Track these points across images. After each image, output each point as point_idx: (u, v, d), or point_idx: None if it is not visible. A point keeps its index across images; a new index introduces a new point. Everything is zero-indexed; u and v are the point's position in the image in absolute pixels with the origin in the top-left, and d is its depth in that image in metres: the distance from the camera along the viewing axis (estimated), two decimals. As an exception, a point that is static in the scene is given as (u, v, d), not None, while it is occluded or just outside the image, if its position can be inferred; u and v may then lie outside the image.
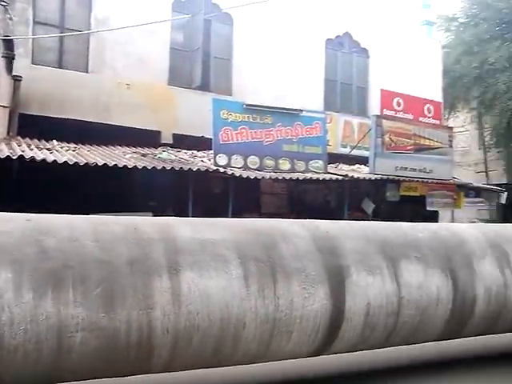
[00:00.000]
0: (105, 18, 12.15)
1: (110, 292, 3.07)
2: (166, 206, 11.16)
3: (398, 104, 15.42)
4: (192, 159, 11.98)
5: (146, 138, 12.12)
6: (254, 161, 12.07)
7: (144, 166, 10.07)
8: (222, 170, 11.33)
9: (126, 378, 3.40)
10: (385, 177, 13.29)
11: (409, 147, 14.04)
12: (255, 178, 11.54)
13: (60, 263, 3.00)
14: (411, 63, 16.03)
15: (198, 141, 12.40)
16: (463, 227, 5.34)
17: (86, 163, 9.46)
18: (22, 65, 11.12)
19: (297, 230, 4.01)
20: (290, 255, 3.74)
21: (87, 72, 12.06)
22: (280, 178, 11.96)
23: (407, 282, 4.18)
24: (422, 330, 4.45)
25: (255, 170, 11.91)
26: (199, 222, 3.87)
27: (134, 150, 11.75)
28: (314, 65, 14.49)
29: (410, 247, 4.37)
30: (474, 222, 18.22)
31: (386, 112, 14.98)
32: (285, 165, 12.45)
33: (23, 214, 3.33)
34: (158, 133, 12.37)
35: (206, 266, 3.39)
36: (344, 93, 15.37)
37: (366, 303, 3.95)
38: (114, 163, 9.80)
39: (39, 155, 9.36)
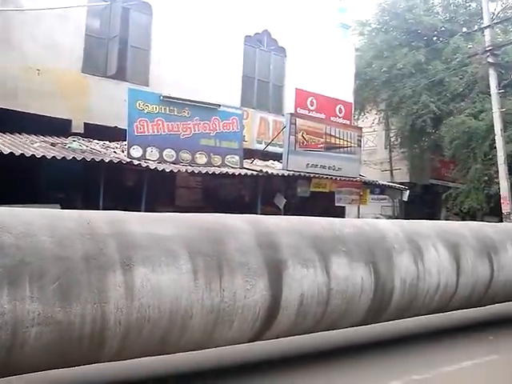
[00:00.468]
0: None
1: (67, 287, 3.12)
2: (75, 199, 10.82)
3: (312, 103, 15.93)
4: (104, 150, 11.69)
5: (56, 127, 11.60)
6: (169, 154, 12.02)
7: (53, 156, 9.73)
8: (136, 162, 11.17)
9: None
10: (297, 173, 13.76)
11: (320, 145, 14.60)
12: (171, 171, 11.49)
13: (17, 259, 3.01)
14: (326, 64, 16.53)
15: (111, 131, 12.09)
16: (384, 223, 5.80)
17: (-10, 151, 9.00)
18: None
19: (241, 226, 4.23)
20: (235, 250, 3.94)
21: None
22: (196, 172, 12.00)
23: (336, 274, 4.50)
24: (347, 317, 4.84)
25: (171, 163, 11.87)
26: (149, 218, 3.99)
27: (42, 138, 11.24)
28: (232, 60, 14.57)
29: (338, 242, 4.69)
30: (379, 218, 19.31)
31: (300, 110, 15.44)
32: (201, 159, 12.52)
33: None
34: (69, 121, 11.86)
35: (157, 261, 3.50)
36: (261, 90, 15.60)
37: (300, 294, 4.25)
38: (21, 152, 9.38)
39: None
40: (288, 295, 4.17)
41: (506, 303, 7.31)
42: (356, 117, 20.68)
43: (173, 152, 12.08)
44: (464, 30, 20.40)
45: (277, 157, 14.53)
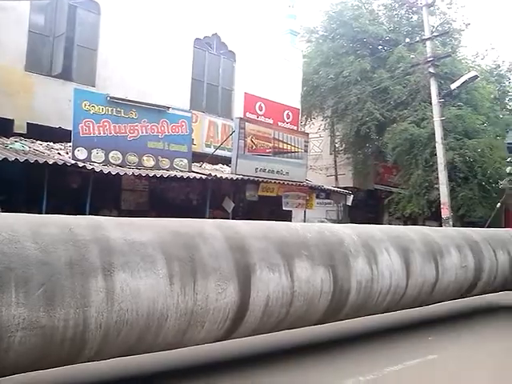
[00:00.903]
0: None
1: (51, 292, 3.21)
2: (16, 201, 10.42)
3: (260, 108, 16.06)
4: (48, 151, 11.31)
5: (-3, 126, 11.17)
6: (116, 156, 11.79)
7: (-6, 157, 9.34)
8: (81, 164, 10.87)
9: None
10: (245, 177, 13.81)
11: (268, 150, 14.72)
12: (117, 174, 11.26)
13: (2, 266, 3.07)
14: (274, 69, 16.71)
15: (55, 132, 11.71)
16: (341, 228, 5.99)
17: None
18: None
19: (213, 231, 4.41)
20: (209, 255, 4.14)
21: None
22: (143, 175, 11.80)
23: (299, 277, 4.74)
24: (307, 317, 5.10)
25: (117, 165, 11.64)
26: (127, 223, 4.08)
27: (-18, 138, 10.79)
28: (181, 63, 14.43)
29: (301, 246, 4.94)
30: (324, 222, 19.68)
31: (249, 115, 15.53)
32: (149, 161, 12.35)
33: None
34: (11, 121, 11.37)
35: (136, 267, 3.65)
36: (210, 93, 15.53)
37: (266, 296, 4.47)
38: (-41, 152, 8.97)
39: None
40: (255, 297, 4.39)
41: (444, 303, 7.72)
42: (303, 122, 20.97)
43: (119, 154, 11.85)
44: (407, 40, 21.16)
45: (226, 161, 14.53)
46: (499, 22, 59.85)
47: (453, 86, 16.97)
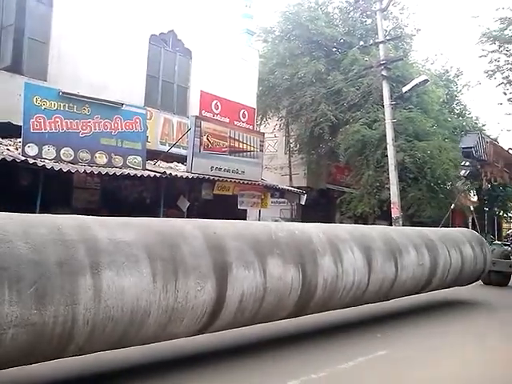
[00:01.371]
0: None
1: (42, 291, 3.34)
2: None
3: (216, 107, 16.00)
4: (-4, 147, 10.94)
5: None
6: (67, 153, 11.48)
7: None
8: (31, 160, 10.54)
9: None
10: (201, 176, 13.73)
11: (224, 149, 14.70)
12: (68, 171, 10.97)
13: None
14: (231, 68, 16.70)
15: (3, 127, 11.25)
16: (309, 227, 6.31)
17: None
18: None
19: (193, 231, 4.63)
20: (189, 254, 4.35)
21: None
22: (96, 172, 11.56)
23: (271, 274, 5.03)
24: (278, 312, 5.44)
25: (69, 162, 11.35)
26: (112, 223, 4.23)
27: None
28: (136, 59, 14.20)
29: (273, 245, 5.23)
30: (278, 221, 19.84)
31: (205, 113, 15.43)
32: (101, 159, 12.09)
33: None
34: (-45, 116, 10.96)
35: (121, 266, 3.82)
36: (165, 90, 15.36)
37: (241, 292, 4.73)
38: None
39: None
40: (231, 294, 4.64)
41: (395, 300, 7.97)
42: (258, 122, 21.02)
43: (71, 151, 11.54)
44: (361, 43, 21.55)
45: (181, 159, 14.40)
46: (447, 30, 61.96)
47: (404, 89, 17.44)
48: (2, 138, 11.43)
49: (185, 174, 13.35)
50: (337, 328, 7.08)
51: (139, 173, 12.22)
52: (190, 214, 13.87)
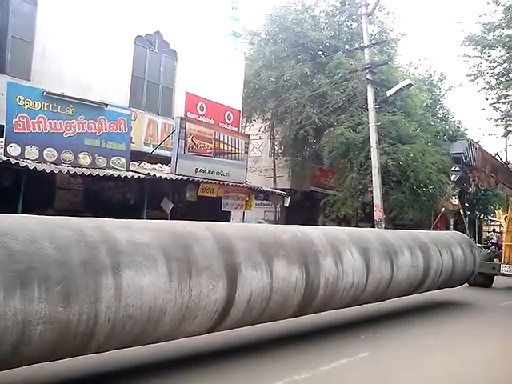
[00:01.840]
0: None
1: (67, 289, 3.51)
2: None
3: (202, 108, 15.98)
4: (-22, 147, 10.83)
5: None
6: (50, 153, 11.40)
7: None
8: (13, 161, 10.45)
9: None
10: (185, 177, 13.71)
11: (209, 151, 14.70)
12: (51, 171, 10.89)
13: (26, 265, 3.35)
14: (216, 70, 16.69)
15: (-15, 126, 11.22)
16: (311, 230, 6.56)
17: None
18: None
19: (204, 233, 4.85)
20: (201, 255, 4.56)
21: None
22: (79, 173, 11.49)
23: (277, 275, 5.26)
24: (283, 311, 5.67)
25: (52, 163, 11.27)
26: (129, 225, 4.40)
27: None
28: (122, 59, 14.14)
29: (279, 247, 5.46)
30: (261, 223, 19.92)
31: (190, 115, 15.41)
32: (85, 159, 12.02)
33: None
34: None
35: (140, 266, 4.00)
36: (150, 91, 15.31)
37: (249, 292, 4.94)
38: None
39: None
40: (240, 293, 4.84)
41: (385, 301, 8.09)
42: (243, 124, 21.05)
43: (54, 151, 11.46)
44: (346, 47, 21.64)
45: (165, 160, 14.36)
46: (432, 35, 62.63)
47: (388, 93, 17.61)
48: (-16, 138, 11.32)
49: (169, 176, 13.33)
50: (320, 331, 7.16)
51: (123, 174, 12.18)
52: (174, 215, 13.83)
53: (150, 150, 14.51)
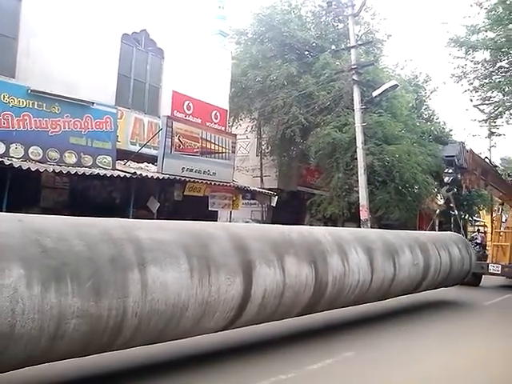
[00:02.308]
0: None
1: (98, 284, 3.64)
2: None
3: (188, 107, 15.98)
4: (-38, 144, 10.68)
5: None
6: (36, 151, 11.33)
7: None
8: (-2, 159, 10.37)
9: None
10: (172, 177, 13.68)
11: (196, 150, 14.69)
12: (36, 170, 10.81)
13: (59, 261, 3.49)
14: (203, 69, 16.65)
15: (-30, 124, 11.07)
16: (317, 230, 6.91)
17: None
18: None
19: (218, 232, 5.06)
20: (218, 253, 4.74)
21: None
22: (65, 172, 11.41)
23: (289, 272, 5.46)
24: (294, 308, 5.87)
25: (37, 161, 11.18)
26: (149, 225, 4.62)
27: None
28: (108, 58, 14.03)
29: (289, 245, 5.67)
30: (248, 222, 19.93)
31: (177, 114, 15.40)
32: (71, 158, 11.95)
33: (12, 214, 3.77)
34: None
35: (163, 262, 4.15)
36: (137, 90, 15.20)
37: (263, 288, 5.12)
38: None
39: None
40: (256, 289, 5.03)
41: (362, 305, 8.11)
42: (230, 124, 21.00)
43: (39, 150, 11.40)
44: (333, 47, 21.70)
45: (152, 159, 14.30)
46: (417, 36, 63.17)
47: (374, 94, 17.74)
48: (-32, 136, 11.17)
49: (155, 175, 13.29)
50: (308, 331, 7.19)
51: (109, 173, 12.12)
52: (160, 215, 13.81)
53: (136, 148, 14.44)
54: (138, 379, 4.72)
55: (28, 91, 11.22)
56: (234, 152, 16.38)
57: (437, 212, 15.80)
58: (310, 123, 19.80)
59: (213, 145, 15.26)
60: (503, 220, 19.12)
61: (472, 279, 13.24)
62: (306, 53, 21.77)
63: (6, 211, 9.41)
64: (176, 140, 13.96)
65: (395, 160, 18.90)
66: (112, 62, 14.27)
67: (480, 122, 23.67)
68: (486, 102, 20.69)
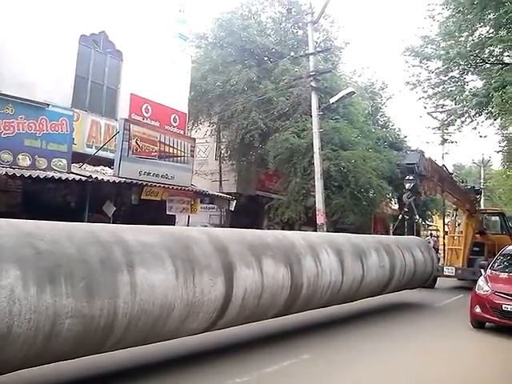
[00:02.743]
0: None
1: (90, 285, 3.77)
2: None
3: (147, 110, 15.89)
4: None
5: None
6: (-13, 153, 11.07)
7: None
8: None
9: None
10: (129, 180, 13.55)
11: (154, 153, 14.62)
12: (-12, 172, 10.58)
13: (53, 263, 3.61)
14: (162, 72, 16.58)
15: None
16: (291, 234, 7.24)
17: None
18: None
19: (200, 236, 5.26)
20: (201, 255, 4.92)
21: None
22: (18, 174, 11.17)
23: (266, 273, 5.72)
24: (271, 309, 6.11)
25: (-11, 163, 10.94)
26: (134, 228, 4.75)
27: None
28: (65, 59, 13.78)
29: (265, 248, 5.91)
30: (206, 226, 19.93)
31: (135, 117, 15.30)
32: (24, 161, 11.72)
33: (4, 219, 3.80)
34: None
35: (150, 264, 4.31)
36: (94, 92, 14.99)
37: (244, 289, 5.35)
38: None
39: None
40: (237, 290, 5.24)
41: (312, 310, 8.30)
42: (190, 127, 20.97)
43: (-8, 152, 11.14)
44: (292, 53, 21.99)
45: (108, 162, 14.12)
46: (374, 45, 64.64)
47: (332, 100, 18.06)
48: None
49: (111, 178, 13.14)
50: (269, 335, 7.32)
51: (64, 176, 11.93)
52: (116, 219, 13.69)
53: (92, 151, 14.25)
54: (124, 381, 4.83)
55: (-20, 92, 10.96)
56: (192, 156, 16.37)
57: (399, 217, 16.33)
58: (268, 128, 20.00)
59: (171, 148, 15.22)
60: (457, 225, 19.85)
61: (429, 281, 13.76)
62: (266, 58, 21.99)
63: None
64: (133, 143, 13.86)
65: (351, 165, 19.30)
66: (69, 64, 14.04)
67: (433, 129, 24.47)
68: (439, 109, 21.37)
